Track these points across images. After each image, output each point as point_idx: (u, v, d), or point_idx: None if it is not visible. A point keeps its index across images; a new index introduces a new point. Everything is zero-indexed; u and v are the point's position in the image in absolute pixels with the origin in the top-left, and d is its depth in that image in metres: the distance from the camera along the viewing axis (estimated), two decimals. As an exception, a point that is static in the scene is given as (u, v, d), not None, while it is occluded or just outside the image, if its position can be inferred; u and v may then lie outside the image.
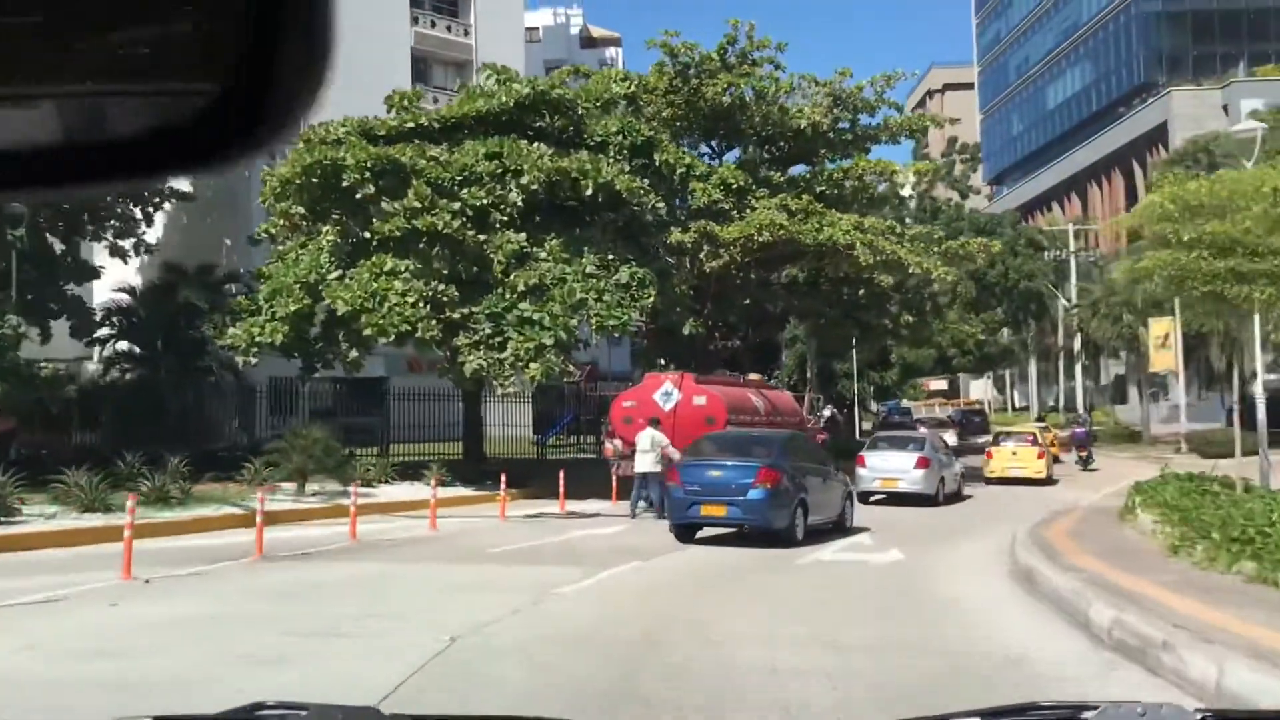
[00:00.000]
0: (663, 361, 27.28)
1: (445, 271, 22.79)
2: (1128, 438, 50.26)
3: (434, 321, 22.33)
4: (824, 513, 16.20)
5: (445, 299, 22.51)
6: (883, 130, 31.80)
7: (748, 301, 31.82)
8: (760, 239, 25.73)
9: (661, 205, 23.98)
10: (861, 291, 30.42)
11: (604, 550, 14.52)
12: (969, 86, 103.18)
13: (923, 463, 23.01)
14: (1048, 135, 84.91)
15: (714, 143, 30.92)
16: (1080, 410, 55.16)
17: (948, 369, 48.82)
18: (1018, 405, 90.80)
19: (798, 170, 30.95)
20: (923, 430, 32.41)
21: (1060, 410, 70.02)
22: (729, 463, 15.44)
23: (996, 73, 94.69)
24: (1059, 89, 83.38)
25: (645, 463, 19.53)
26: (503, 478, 20.56)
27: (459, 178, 23.41)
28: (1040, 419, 57.57)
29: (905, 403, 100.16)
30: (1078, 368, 54.66)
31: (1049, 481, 31.24)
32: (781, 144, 30.91)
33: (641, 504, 19.56)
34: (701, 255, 26.27)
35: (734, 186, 27.50)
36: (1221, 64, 67.38)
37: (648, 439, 19.69)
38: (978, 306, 47.04)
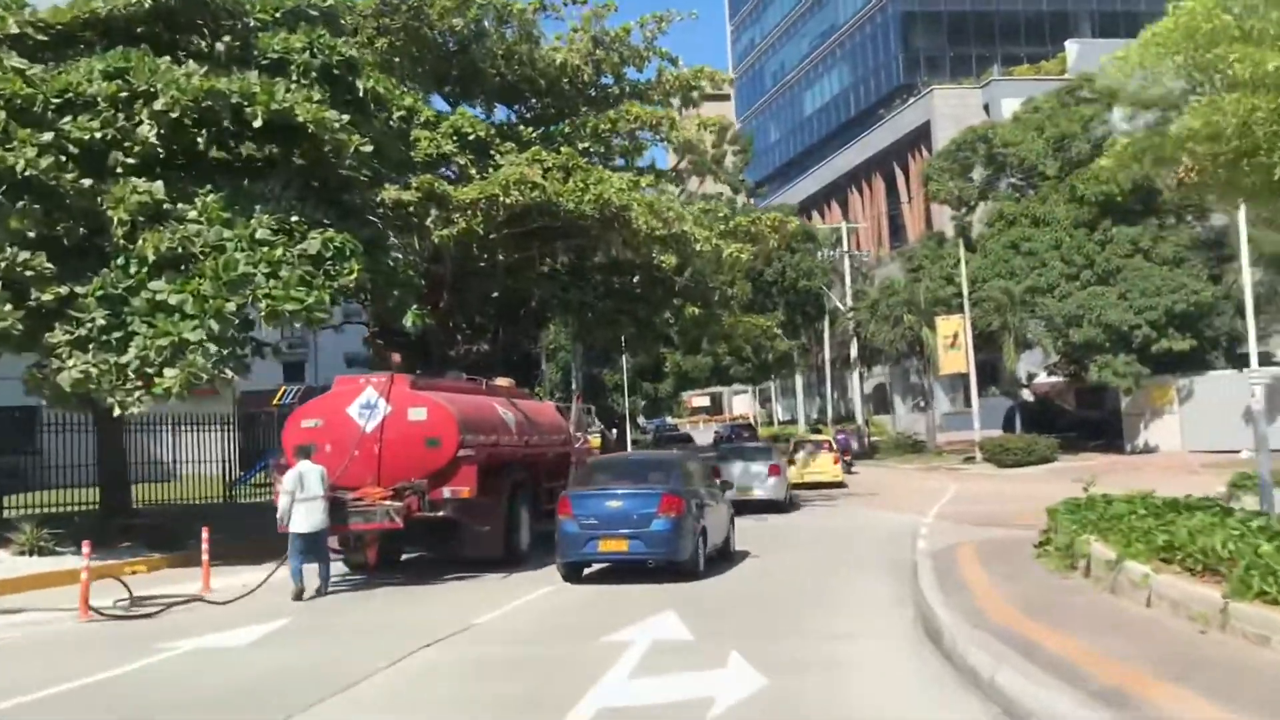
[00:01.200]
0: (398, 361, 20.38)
1: (32, 234, 15.22)
2: (911, 448, 47.02)
3: (9, 308, 14.74)
4: (715, 538, 14.82)
5: (31, 273, 14.95)
6: (654, 88, 26.17)
7: (497, 294, 25.44)
8: (507, 201, 19.45)
9: (369, 147, 17.16)
10: (637, 278, 24.66)
11: None
12: (725, 97, 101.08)
13: (775, 470, 24.35)
14: (806, 142, 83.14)
15: (448, 89, 24.36)
16: (859, 420, 51.84)
17: (724, 380, 43.96)
18: (782, 419, 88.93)
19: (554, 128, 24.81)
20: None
21: (829, 423, 67.66)
22: (627, 491, 13.80)
23: (753, 80, 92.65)
24: (816, 94, 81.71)
25: (310, 517, 12.87)
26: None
27: (57, 101, 15.89)
28: (817, 430, 54.18)
29: (670, 419, 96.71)
30: (854, 376, 51.24)
31: (840, 485, 31.38)
32: (532, 97, 24.77)
33: (309, 577, 12.88)
34: (429, 223, 19.68)
35: (472, 138, 21.10)
36: (977, 65, 66.73)
37: (315, 478, 13.00)
38: (754, 308, 42.48)
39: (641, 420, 45.63)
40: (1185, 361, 38.22)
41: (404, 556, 16.23)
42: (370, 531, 13.82)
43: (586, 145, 22.74)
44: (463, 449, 14.06)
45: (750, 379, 44.90)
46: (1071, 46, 61.83)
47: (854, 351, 49.73)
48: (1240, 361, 35.45)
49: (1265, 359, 35.07)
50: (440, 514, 14.10)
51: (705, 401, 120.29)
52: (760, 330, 34.51)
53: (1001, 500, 24.58)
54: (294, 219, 16.34)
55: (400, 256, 18.90)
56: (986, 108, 59.81)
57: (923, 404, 68.87)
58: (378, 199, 18.65)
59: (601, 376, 40.90)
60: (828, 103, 79.92)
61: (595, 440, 31.28)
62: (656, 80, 26.12)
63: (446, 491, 14.03)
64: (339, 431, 14.04)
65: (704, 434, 78.51)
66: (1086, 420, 46.33)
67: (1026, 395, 53.68)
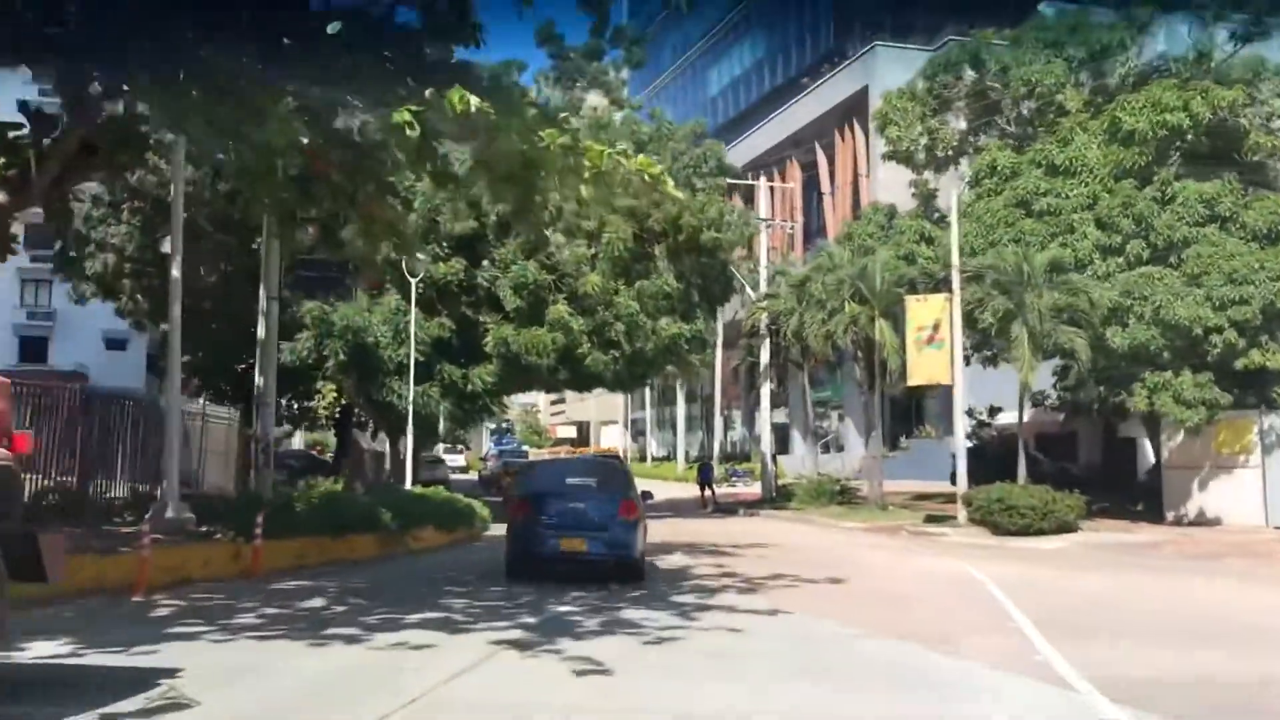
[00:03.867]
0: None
1: None
2: (836, 496, 32.94)
3: None
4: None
5: None
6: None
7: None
8: None
9: None
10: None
11: None
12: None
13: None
14: (711, 126, 69.57)
15: None
16: (766, 456, 37.80)
17: (580, 378, 29.09)
18: (657, 455, 74.72)
19: None
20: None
21: (714, 458, 54.04)
22: (590, 495, 14.55)
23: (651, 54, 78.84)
24: (725, 69, 68.48)
25: None
26: None
27: None
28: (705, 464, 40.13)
29: (525, 447, 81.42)
30: (764, 392, 37.00)
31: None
32: None
33: None
34: None
35: None
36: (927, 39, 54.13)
37: None
38: (631, 271, 28.04)
39: (443, 429, 29.98)
40: (1262, 384, 25.28)
41: None
42: None
43: None
44: None
45: (617, 380, 29.92)
46: (1047, 10, 49.63)
47: (764, 357, 35.52)
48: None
49: None
50: None
51: (572, 433, 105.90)
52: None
53: (1157, 623, 10.65)
54: None
55: None
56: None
57: (825, 445, 55.45)
58: None
59: (301, 319, 25.15)
60: (738, 78, 66.73)
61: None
62: None
63: None
64: None
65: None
66: (1093, 475, 33.19)
67: (972, 437, 40.79)
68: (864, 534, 25.45)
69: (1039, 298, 24.15)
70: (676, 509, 35.72)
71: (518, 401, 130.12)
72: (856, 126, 51.71)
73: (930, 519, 27.40)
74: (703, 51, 70.81)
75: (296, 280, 24.96)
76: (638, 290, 27.29)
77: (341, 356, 24.85)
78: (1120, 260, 25.60)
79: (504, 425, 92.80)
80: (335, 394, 29.14)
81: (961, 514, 25.06)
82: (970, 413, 39.37)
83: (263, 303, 17.41)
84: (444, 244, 25.84)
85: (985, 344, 28.44)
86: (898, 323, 28.28)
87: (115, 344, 52.94)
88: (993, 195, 28.44)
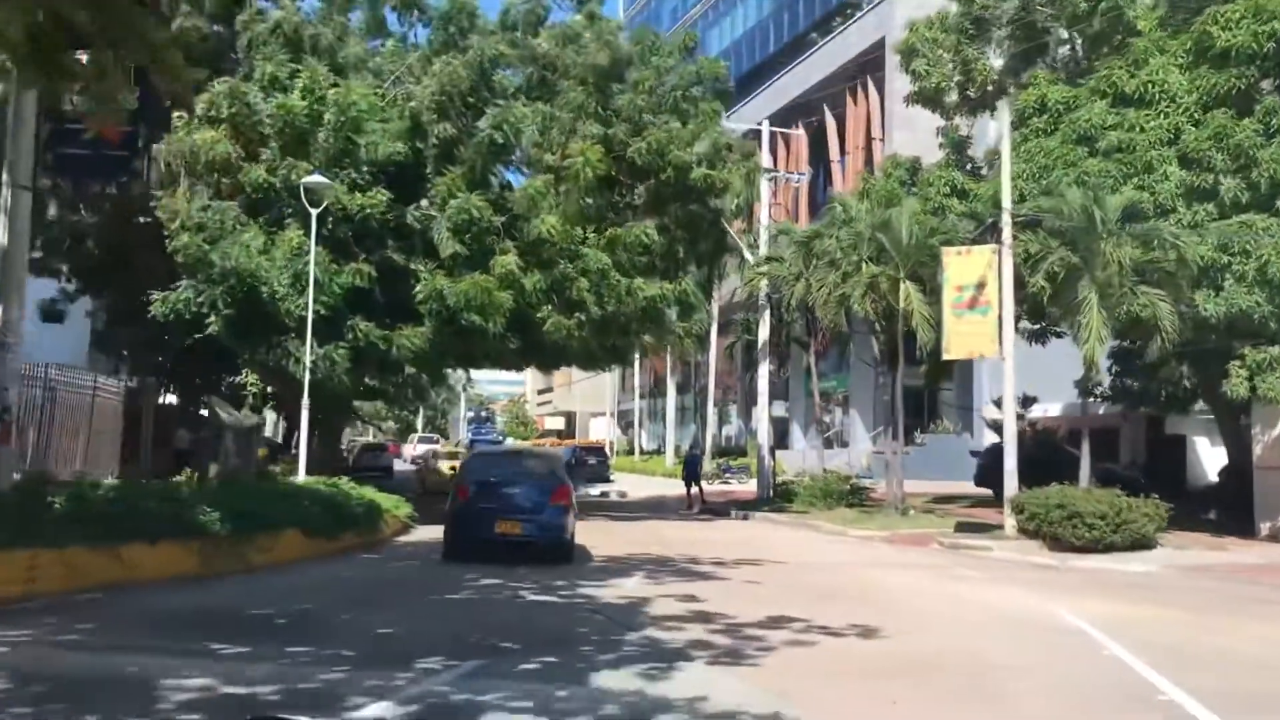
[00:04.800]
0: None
1: None
2: (846, 498, 27.73)
3: None
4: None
5: None
6: None
7: None
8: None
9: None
10: None
11: None
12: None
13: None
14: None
15: None
16: (763, 450, 32.63)
17: (533, 345, 23.58)
18: (646, 448, 69.58)
19: None
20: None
21: (704, 451, 49.24)
22: (525, 481, 15.35)
23: (648, 22, 73.64)
24: (726, 29, 63.21)
25: None
26: None
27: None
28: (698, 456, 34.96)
29: (509, 439, 76.45)
30: (762, 372, 31.75)
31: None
32: None
33: None
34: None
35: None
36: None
37: None
38: (603, 217, 22.81)
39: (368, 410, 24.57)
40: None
41: None
42: None
43: None
44: None
45: (586, 353, 24.60)
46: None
47: (762, 332, 30.24)
48: None
49: None
50: None
51: (561, 424, 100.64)
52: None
53: None
54: None
55: None
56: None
57: (828, 440, 49.93)
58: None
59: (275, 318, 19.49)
60: (740, 39, 61.46)
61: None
62: None
63: None
64: None
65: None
66: (1136, 477, 27.93)
67: (995, 433, 35.96)
68: (885, 546, 20.23)
69: (1116, 247, 18.86)
70: (658, 509, 30.52)
71: (501, 390, 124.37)
72: (871, 86, 46.45)
73: (964, 527, 22.22)
74: (703, 13, 65.54)
75: (61, 161, 19.73)
76: (609, 239, 22.00)
77: (225, 309, 19.57)
78: (1212, 206, 20.37)
79: (483, 414, 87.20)
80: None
81: (1009, 523, 19.83)
82: (998, 404, 34.31)
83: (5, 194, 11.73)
84: (364, 169, 20.54)
85: (1036, 313, 23.18)
86: (926, 288, 23.10)
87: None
88: (1043, 135, 23.20)
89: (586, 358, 26.29)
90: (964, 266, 20.39)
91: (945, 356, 21.73)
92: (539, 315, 21.70)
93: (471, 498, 14.84)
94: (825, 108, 49.95)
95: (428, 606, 10.77)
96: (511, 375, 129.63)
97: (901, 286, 23.07)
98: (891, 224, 23.45)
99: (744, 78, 58.85)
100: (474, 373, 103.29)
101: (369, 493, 17.69)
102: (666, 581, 13.02)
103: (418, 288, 20.18)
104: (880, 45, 43.59)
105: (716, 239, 25.72)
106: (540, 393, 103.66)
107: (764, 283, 28.80)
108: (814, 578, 14.33)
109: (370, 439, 70.71)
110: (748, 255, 30.35)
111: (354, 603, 10.80)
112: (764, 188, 29.23)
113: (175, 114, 20.06)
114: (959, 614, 11.31)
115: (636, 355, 34.92)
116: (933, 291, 22.79)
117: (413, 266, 20.61)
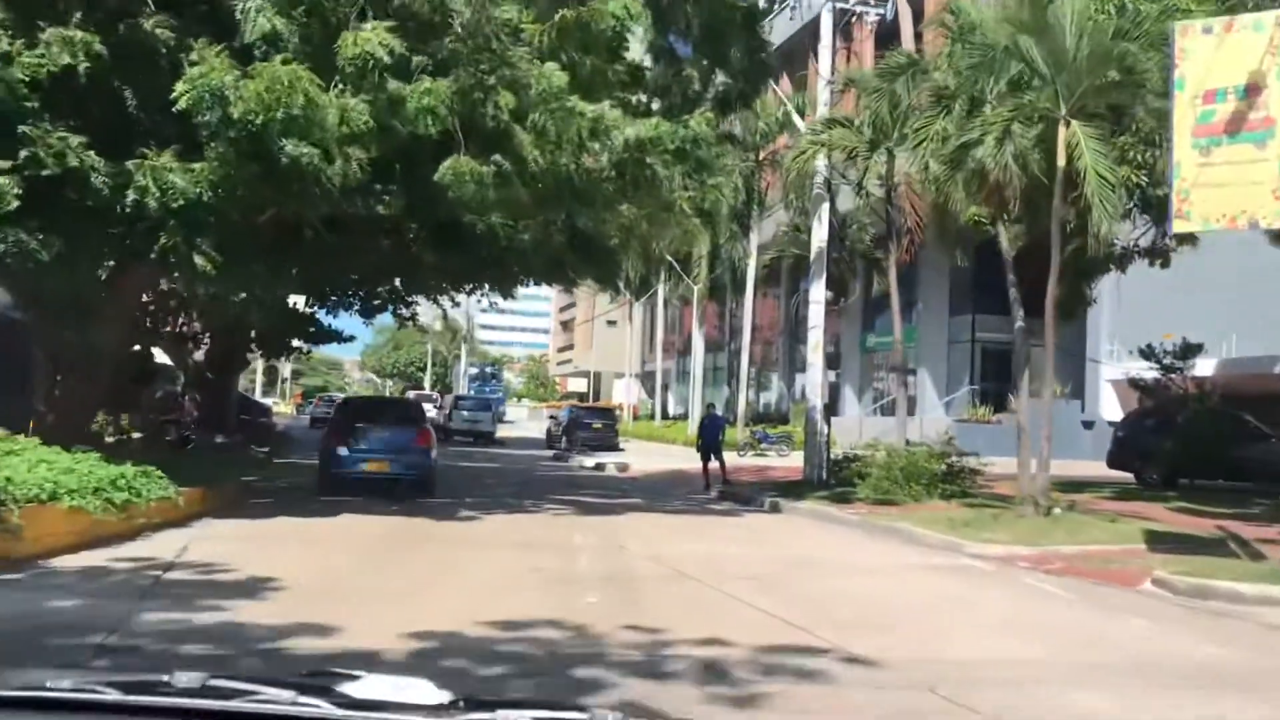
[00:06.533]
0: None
1: None
2: (938, 483, 18.03)
3: None
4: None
5: None
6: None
7: None
8: None
9: None
10: None
11: None
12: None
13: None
14: None
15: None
16: (815, 415, 23.02)
17: (421, 207, 13.87)
18: (674, 413, 60.31)
19: None
20: None
21: (739, 418, 40.57)
22: (392, 425, 17.67)
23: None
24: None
25: None
26: None
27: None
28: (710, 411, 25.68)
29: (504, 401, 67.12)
30: (815, 295, 22.09)
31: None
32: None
33: None
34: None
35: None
36: None
37: None
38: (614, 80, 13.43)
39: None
40: None
41: None
42: None
43: None
44: None
45: (551, 261, 14.97)
46: None
47: (818, 234, 20.39)
48: None
49: None
50: None
51: (582, 386, 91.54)
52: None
53: None
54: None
55: None
56: None
57: (887, 401, 40.02)
58: None
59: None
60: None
61: None
62: None
63: None
64: None
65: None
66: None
67: (1142, 394, 26.75)
68: (1055, 588, 10.62)
69: None
70: (657, 492, 21.28)
71: (519, 348, 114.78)
72: None
73: (1161, 540, 12.64)
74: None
75: None
76: (560, 26, 12.48)
77: None
78: None
79: (488, 370, 77.44)
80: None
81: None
82: (1148, 352, 24.80)
83: None
84: None
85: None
86: (1108, 133, 13.43)
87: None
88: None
89: (540, 262, 16.88)
90: (1218, 58, 10.63)
91: (1176, 229, 11.99)
92: (433, 162, 12.24)
93: (342, 440, 16.88)
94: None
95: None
96: (535, 325, 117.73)
97: (1066, 130, 13.34)
98: (1050, 26, 13.66)
99: None
100: (481, 323, 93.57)
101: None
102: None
103: (178, 85, 10.75)
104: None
105: (750, 52, 15.80)
106: (560, 350, 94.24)
107: (821, 159, 19.03)
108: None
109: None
110: (798, 123, 20.60)
111: None
112: (825, 18, 19.38)
113: None
114: None
115: (626, 263, 24.99)
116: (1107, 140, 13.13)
117: (193, 46, 11.21)
